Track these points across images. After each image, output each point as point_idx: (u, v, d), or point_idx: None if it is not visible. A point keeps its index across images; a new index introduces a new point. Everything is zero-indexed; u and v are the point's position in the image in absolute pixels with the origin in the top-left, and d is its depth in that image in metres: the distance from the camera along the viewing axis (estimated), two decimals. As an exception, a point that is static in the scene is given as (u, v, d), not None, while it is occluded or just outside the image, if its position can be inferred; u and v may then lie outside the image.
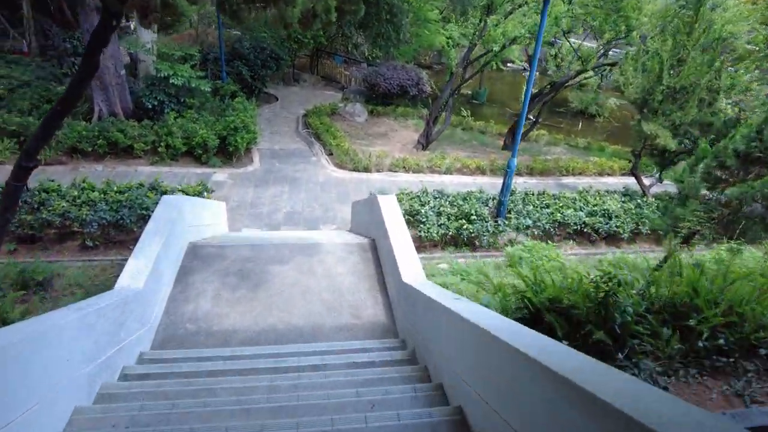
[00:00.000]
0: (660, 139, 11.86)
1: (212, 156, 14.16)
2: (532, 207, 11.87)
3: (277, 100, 22.50)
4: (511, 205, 11.87)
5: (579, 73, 16.39)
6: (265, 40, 21.66)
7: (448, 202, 11.51)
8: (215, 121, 14.67)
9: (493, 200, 12.33)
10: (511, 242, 11.14)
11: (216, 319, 5.60)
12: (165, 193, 10.78)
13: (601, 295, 3.91)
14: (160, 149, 13.87)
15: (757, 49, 15.48)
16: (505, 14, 15.57)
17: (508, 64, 37.56)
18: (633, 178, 17.44)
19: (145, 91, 14.94)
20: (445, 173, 15.71)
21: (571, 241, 11.50)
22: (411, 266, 5.50)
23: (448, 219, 10.78)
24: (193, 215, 7.51)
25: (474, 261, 10.14)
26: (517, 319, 3.98)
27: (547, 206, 12.06)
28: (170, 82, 14.34)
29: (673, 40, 11.90)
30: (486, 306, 5.39)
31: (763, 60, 15.22)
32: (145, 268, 5.17)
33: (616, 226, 11.32)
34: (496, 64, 23.20)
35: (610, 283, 3.93)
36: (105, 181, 10.86)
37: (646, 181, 14.17)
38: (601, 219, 11.40)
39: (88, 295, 7.26)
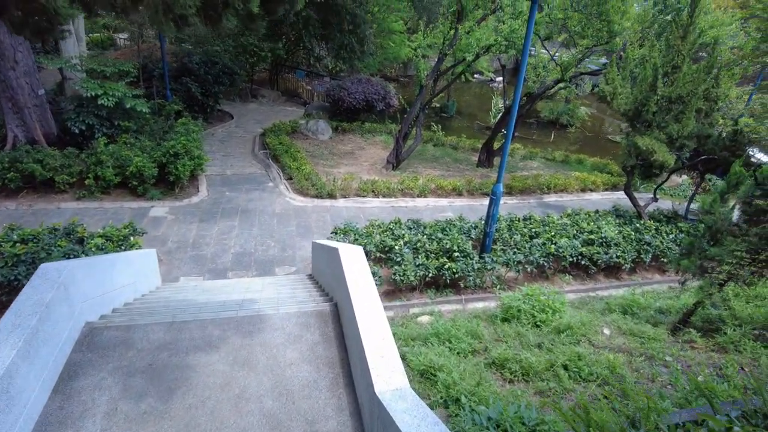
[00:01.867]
0: (657, 154, 10.62)
1: (150, 187, 12.20)
2: (519, 236, 10.41)
3: (233, 118, 20.67)
4: (496, 234, 10.39)
5: (558, 82, 15.19)
6: (217, 54, 19.86)
7: (425, 236, 9.91)
8: (154, 147, 12.74)
9: (475, 229, 10.84)
10: (500, 279, 9.62)
11: (103, 456, 3.80)
12: (82, 239, 8.86)
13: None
14: (87, 181, 11.85)
15: (741, 54, 14.64)
16: (477, 21, 14.27)
17: (476, 75, 36.84)
18: (619, 192, 16.37)
19: (71, 114, 12.88)
20: (418, 196, 14.17)
21: (567, 276, 10.05)
22: (386, 365, 3.84)
23: (427, 257, 9.18)
24: (95, 282, 5.66)
25: (461, 309, 8.55)
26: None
27: (537, 234, 10.61)
28: (99, 102, 12.35)
29: (666, 45, 10.72)
30: (499, 421, 3.77)
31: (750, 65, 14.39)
32: (-21, 397, 3.35)
33: (617, 256, 9.94)
34: (465, 76, 22.08)
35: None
36: (6, 226, 8.82)
37: (640, 200, 12.95)
38: (599, 248, 10.00)
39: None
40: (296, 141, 17.89)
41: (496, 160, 18.76)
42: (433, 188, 14.63)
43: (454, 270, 8.85)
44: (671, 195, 16.70)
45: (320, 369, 4.72)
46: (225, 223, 11.39)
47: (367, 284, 4.92)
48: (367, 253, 9.51)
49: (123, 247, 9.02)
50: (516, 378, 5.19)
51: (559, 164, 19.92)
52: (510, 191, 15.38)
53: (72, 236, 8.86)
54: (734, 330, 5.76)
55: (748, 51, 14.01)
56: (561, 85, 16.35)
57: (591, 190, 16.62)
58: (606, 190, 16.85)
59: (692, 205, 13.28)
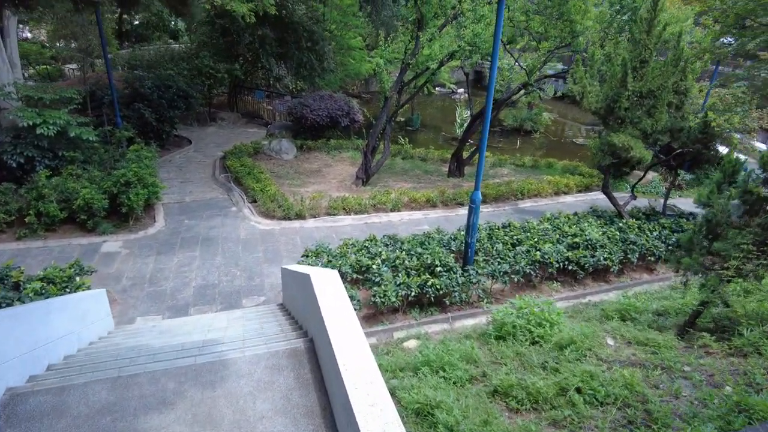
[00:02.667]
0: (634, 150, 10.34)
1: (101, 220, 11.18)
2: (501, 245, 9.88)
3: (191, 143, 19.70)
4: (477, 244, 9.83)
5: (523, 86, 14.95)
6: (171, 78, 18.95)
7: (404, 252, 9.26)
8: (104, 177, 11.74)
9: (455, 240, 10.26)
10: (486, 292, 9.03)
11: None
12: (18, 284, 7.83)
13: None
14: (28, 219, 10.75)
15: (702, 47, 14.76)
16: (439, 28, 13.92)
17: (438, 88, 36.89)
18: (593, 194, 16.18)
19: (7, 147, 11.76)
20: (392, 211, 13.55)
21: (555, 283, 9.55)
22: (378, 416, 3.13)
23: (408, 275, 8.51)
24: (21, 337, 4.75)
25: (448, 329, 7.89)
26: None
27: (519, 242, 10.11)
28: (38, 132, 11.32)
29: (633, 41, 10.53)
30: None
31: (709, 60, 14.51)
32: None
33: (604, 258, 9.52)
34: (428, 88, 21.82)
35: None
36: (-72, 276, 7.72)
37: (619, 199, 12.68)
38: (586, 252, 9.56)
39: None
40: (259, 162, 17.09)
41: (467, 169, 18.39)
42: (407, 201, 14.05)
43: (438, 286, 8.21)
44: (643, 192, 16.61)
45: (297, 421, 3.95)
46: (185, 254, 10.47)
47: (346, 314, 4.21)
48: (343, 275, 8.77)
49: (68, 289, 8.04)
50: (524, 407, 4.53)
51: (529, 169, 19.70)
52: (484, 199, 14.93)
53: (5, 282, 7.83)
54: (750, 330, 5.30)
55: (708, 44, 14.13)
56: (523, 91, 16.19)
57: (565, 193, 16.36)
58: (579, 191, 16.64)
59: (670, 201, 13.11)
